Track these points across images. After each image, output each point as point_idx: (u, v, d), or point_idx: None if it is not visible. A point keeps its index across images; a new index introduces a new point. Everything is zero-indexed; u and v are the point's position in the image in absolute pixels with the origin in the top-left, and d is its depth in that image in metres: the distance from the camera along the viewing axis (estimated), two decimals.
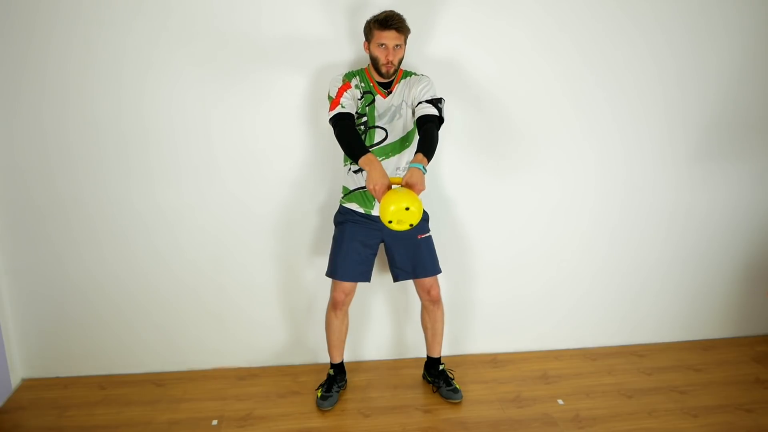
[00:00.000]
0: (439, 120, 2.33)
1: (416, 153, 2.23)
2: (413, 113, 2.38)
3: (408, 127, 2.42)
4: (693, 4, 2.71)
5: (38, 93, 2.50)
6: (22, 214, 2.63)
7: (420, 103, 2.36)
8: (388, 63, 2.30)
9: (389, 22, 2.26)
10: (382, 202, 2.07)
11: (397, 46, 2.29)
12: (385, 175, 2.16)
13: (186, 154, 2.63)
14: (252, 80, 2.58)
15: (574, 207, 2.90)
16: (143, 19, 2.46)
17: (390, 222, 2.06)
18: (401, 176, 2.31)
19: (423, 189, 2.14)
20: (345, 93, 2.33)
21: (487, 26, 2.62)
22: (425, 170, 2.18)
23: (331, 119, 2.31)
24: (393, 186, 2.14)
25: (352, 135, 2.25)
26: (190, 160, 2.64)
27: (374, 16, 2.30)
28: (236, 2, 2.49)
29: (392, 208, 2.02)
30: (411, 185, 2.12)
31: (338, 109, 2.29)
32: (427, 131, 2.28)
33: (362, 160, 2.18)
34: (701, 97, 2.84)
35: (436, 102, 2.35)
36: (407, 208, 2.02)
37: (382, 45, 2.28)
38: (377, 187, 2.13)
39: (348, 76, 2.38)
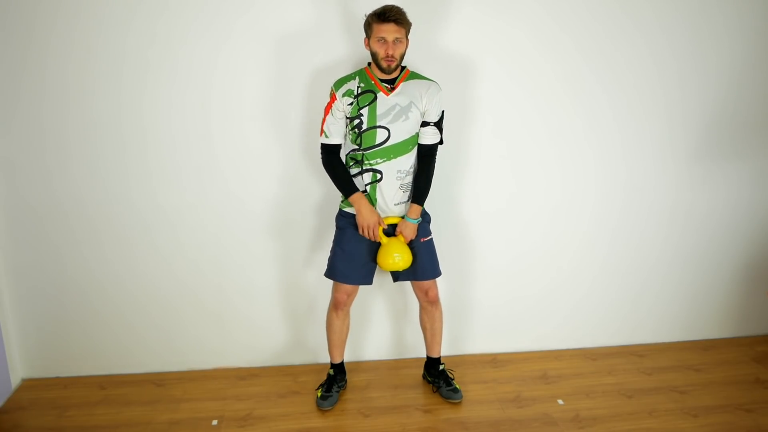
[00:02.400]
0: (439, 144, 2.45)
1: (412, 203, 2.41)
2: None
3: (414, 131, 2.38)
4: (693, 4, 2.71)
5: (38, 93, 2.50)
6: (22, 213, 2.63)
7: (427, 124, 2.38)
8: (387, 57, 2.25)
9: (387, 14, 2.21)
10: (380, 255, 2.40)
11: (397, 39, 2.24)
12: (374, 211, 2.38)
13: (186, 153, 2.63)
14: (251, 80, 2.58)
15: (575, 207, 2.90)
16: (142, 19, 2.46)
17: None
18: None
19: (413, 238, 2.42)
20: (330, 113, 2.34)
21: (488, 26, 2.62)
22: (419, 220, 2.43)
23: (321, 150, 2.42)
24: (388, 224, 2.43)
25: (340, 172, 2.40)
26: (190, 159, 2.64)
27: (373, 11, 2.27)
28: (235, 3, 2.49)
29: (390, 261, 2.38)
30: (404, 236, 2.41)
31: (323, 139, 2.39)
32: (424, 171, 2.43)
33: (351, 199, 2.38)
34: (701, 97, 2.84)
35: (440, 122, 2.41)
36: (399, 260, 2.38)
37: (381, 39, 2.24)
38: (367, 225, 2.37)
39: (339, 83, 2.34)
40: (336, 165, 2.40)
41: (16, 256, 2.67)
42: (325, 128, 2.37)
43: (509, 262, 2.93)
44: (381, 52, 2.25)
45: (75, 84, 2.50)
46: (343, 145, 2.43)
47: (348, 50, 2.56)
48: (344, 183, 2.40)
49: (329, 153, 2.40)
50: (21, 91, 2.50)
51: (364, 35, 2.32)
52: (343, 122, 2.37)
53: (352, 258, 2.45)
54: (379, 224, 2.39)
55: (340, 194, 2.52)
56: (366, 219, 2.37)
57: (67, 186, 2.61)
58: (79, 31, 2.45)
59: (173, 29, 2.49)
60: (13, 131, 2.54)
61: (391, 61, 2.26)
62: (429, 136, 2.40)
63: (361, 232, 2.40)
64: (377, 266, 2.48)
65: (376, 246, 2.45)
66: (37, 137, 2.55)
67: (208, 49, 2.52)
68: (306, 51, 2.56)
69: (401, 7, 2.26)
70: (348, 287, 2.51)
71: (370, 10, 2.28)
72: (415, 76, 2.39)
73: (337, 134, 2.38)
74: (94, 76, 2.50)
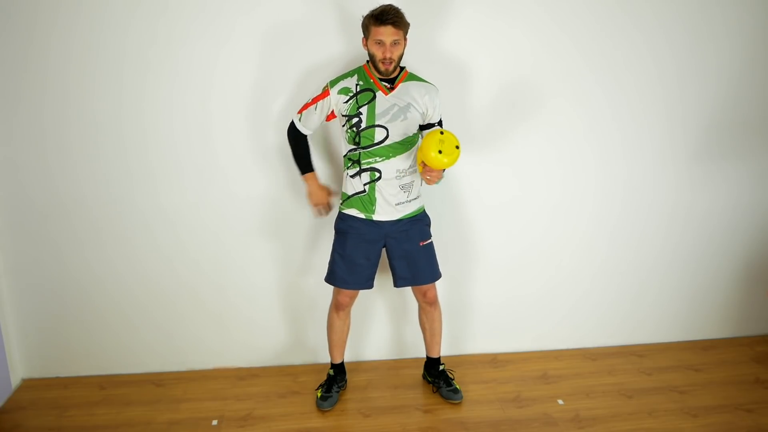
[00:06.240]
0: None
1: None
2: (422, 126, 2.39)
3: (412, 131, 2.36)
4: (693, 4, 2.71)
5: (38, 93, 2.50)
6: (22, 213, 2.63)
7: (432, 125, 2.39)
8: (385, 59, 2.23)
9: (385, 16, 2.17)
10: (423, 148, 2.22)
11: (395, 41, 2.21)
12: (322, 188, 2.53)
13: (186, 153, 2.63)
14: (251, 79, 2.58)
15: (574, 207, 2.90)
16: (142, 19, 2.46)
17: (440, 152, 2.18)
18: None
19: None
20: (314, 105, 2.35)
21: (487, 26, 2.62)
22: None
23: (290, 124, 2.44)
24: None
25: (302, 148, 2.47)
26: (191, 159, 2.64)
27: (370, 11, 2.22)
28: (236, 3, 2.49)
29: (432, 154, 2.17)
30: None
31: (296, 119, 2.42)
32: None
33: (304, 178, 2.49)
34: (701, 97, 2.84)
35: (440, 123, 2.42)
36: (441, 136, 2.19)
37: (379, 41, 2.21)
38: (316, 204, 2.54)
39: (335, 81, 2.33)
40: (300, 139, 2.44)
41: (17, 256, 2.67)
42: (304, 113, 2.39)
43: (509, 262, 2.93)
44: (378, 54, 2.23)
45: (75, 84, 2.50)
46: (341, 148, 2.45)
47: (347, 48, 2.56)
48: (302, 158, 2.47)
49: (296, 131, 2.44)
50: (22, 91, 2.50)
51: (362, 35, 2.30)
52: (321, 118, 2.39)
53: (352, 263, 2.44)
54: (329, 196, 2.55)
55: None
56: (315, 197, 2.53)
57: (68, 185, 2.61)
58: (79, 31, 2.45)
59: (173, 29, 2.49)
60: (15, 131, 2.54)
61: (389, 64, 2.24)
62: None
63: (313, 211, 2.56)
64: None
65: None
66: (38, 137, 2.55)
67: (208, 49, 2.52)
68: (306, 50, 2.56)
69: (399, 8, 2.23)
70: (350, 291, 2.51)
71: (368, 10, 2.25)
72: (413, 77, 2.37)
73: (310, 125, 2.41)
74: (95, 75, 2.50)
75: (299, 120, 2.41)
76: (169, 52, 2.51)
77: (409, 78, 2.36)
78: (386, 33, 2.19)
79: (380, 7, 2.22)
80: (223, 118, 2.61)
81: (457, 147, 2.18)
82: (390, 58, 2.23)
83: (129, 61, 2.50)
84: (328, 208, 2.58)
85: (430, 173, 2.27)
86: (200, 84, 2.56)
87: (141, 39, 2.48)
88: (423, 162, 2.25)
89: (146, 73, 2.52)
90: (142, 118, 2.57)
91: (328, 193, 2.55)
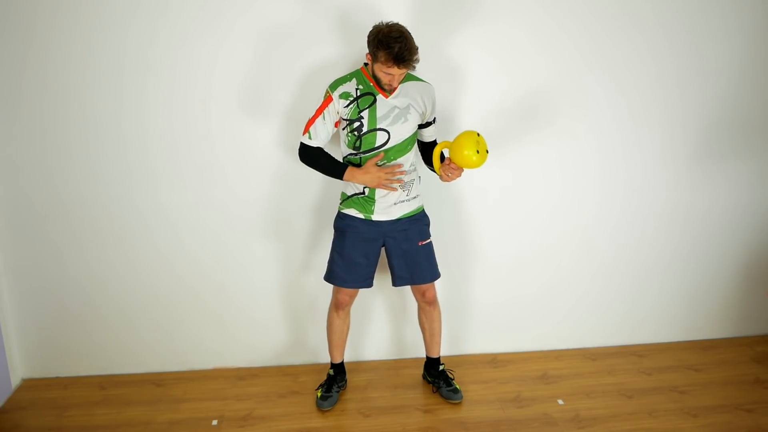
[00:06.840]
0: None
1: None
2: (421, 125, 2.40)
3: (412, 131, 2.36)
4: (693, 4, 2.71)
5: (38, 93, 2.50)
6: (22, 214, 2.63)
7: (430, 124, 2.41)
8: (391, 85, 2.25)
9: (399, 60, 2.12)
10: (456, 147, 2.25)
11: (402, 74, 2.21)
12: (373, 166, 2.31)
13: (186, 152, 2.63)
14: (251, 79, 2.58)
15: (574, 207, 2.90)
16: (142, 19, 2.46)
17: (478, 152, 2.24)
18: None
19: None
20: (321, 116, 2.29)
21: (488, 27, 2.62)
22: None
23: (300, 148, 2.36)
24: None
25: (323, 159, 2.35)
26: (191, 158, 2.64)
27: (384, 41, 2.12)
28: (235, 2, 2.49)
29: (466, 152, 2.23)
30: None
31: (305, 139, 2.34)
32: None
33: (347, 176, 2.33)
34: (701, 97, 2.84)
35: (435, 119, 2.45)
36: (478, 138, 2.26)
37: (388, 74, 2.19)
38: (379, 180, 2.31)
39: (335, 85, 2.30)
40: (315, 154, 2.34)
41: (17, 256, 2.67)
42: (311, 129, 2.31)
43: (509, 261, 2.93)
44: (384, 80, 2.23)
45: (75, 83, 2.50)
46: (341, 152, 2.44)
47: (346, 49, 2.56)
48: (330, 165, 2.34)
49: (307, 149, 2.36)
50: (22, 91, 2.50)
51: (367, 50, 2.23)
52: (330, 127, 2.33)
53: (350, 262, 2.44)
54: (386, 167, 2.32)
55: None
56: (376, 177, 2.31)
57: (68, 185, 2.61)
58: (79, 31, 2.45)
59: (173, 29, 2.49)
60: (14, 131, 2.54)
61: (393, 87, 2.26)
62: (433, 133, 2.44)
63: (380, 185, 2.32)
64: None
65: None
66: (37, 137, 2.55)
67: (208, 49, 2.52)
68: (305, 50, 2.56)
69: (411, 41, 2.14)
70: (350, 290, 2.51)
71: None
72: (410, 77, 2.36)
73: (322, 138, 2.33)
74: (95, 75, 2.51)
75: (309, 138, 2.32)
76: (168, 52, 2.51)
77: (407, 78, 2.35)
78: (398, 72, 2.18)
79: (395, 41, 2.11)
80: (223, 118, 2.61)
81: (487, 150, 2.27)
82: (395, 85, 2.26)
83: (129, 61, 2.50)
84: (396, 172, 2.33)
85: (453, 171, 2.30)
86: (200, 84, 2.56)
87: (141, 39, 2.48)
88: (449, 159, 2.29)
89: (146, 73, 2.52)
90: (142, 118, 2.57)
91: (380, 167, 2.33)
